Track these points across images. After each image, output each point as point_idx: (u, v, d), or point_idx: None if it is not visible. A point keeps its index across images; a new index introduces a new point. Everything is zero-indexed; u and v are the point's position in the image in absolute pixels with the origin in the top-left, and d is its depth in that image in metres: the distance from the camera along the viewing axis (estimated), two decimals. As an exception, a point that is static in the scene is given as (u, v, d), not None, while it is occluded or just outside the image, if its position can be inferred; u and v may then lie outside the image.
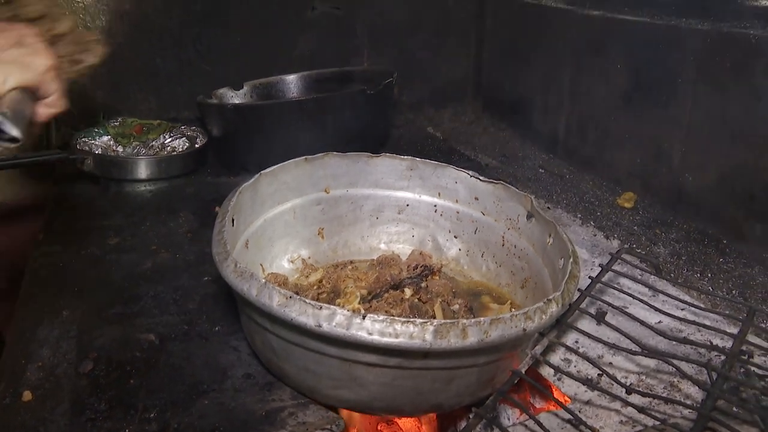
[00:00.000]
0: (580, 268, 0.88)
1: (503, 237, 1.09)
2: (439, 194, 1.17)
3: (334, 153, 1.14)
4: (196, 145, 1.66)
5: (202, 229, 1.31)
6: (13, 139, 0.78)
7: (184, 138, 1.69)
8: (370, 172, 1.17)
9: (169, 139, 1.68)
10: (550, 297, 0.77)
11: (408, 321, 0.69)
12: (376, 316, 0.69)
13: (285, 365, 0.81)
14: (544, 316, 0.75)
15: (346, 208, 1.18)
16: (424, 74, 2.23)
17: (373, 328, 0.69)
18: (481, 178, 1.11)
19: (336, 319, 0.69)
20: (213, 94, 1.75)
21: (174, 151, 1.64)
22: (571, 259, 0.87)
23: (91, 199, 1.48)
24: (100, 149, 1.61)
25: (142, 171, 1.55)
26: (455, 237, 1.17)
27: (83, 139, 1.63)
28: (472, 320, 0.70)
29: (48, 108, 0.86)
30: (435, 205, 1.18)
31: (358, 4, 2.07)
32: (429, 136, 2.03)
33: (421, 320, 0.69)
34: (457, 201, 1.15)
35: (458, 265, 1.16)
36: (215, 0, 1.90)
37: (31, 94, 0.83)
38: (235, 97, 1.79)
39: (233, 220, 0.94)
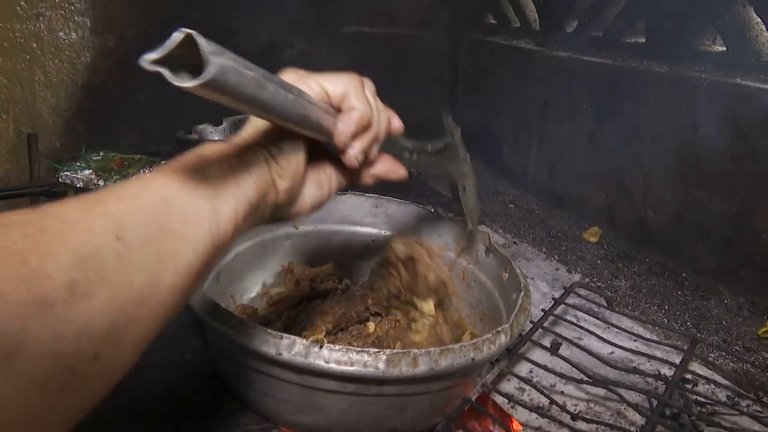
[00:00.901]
0: (531, 301, 0.92)
1: (463, 272, 1.14)
2: (404, 230, 1.22)
3: None
4: (176, 179, 1.70)
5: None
6: None
7: (164, 172, 1.74)
8: (338, 209, 1.22)
9: (150, 173, 1.72)
10: (499, 329, 0.82)
11: (362, 351, 0.73)
12: (332, 346, 0.73)
13: (249, 392, 0.85)
14: (492, 347, 0.80)
15: (315, 243, 1.23)
16: (398, 110, 2.29)
17: (330, 357, 0.73)
18: (441, 214, 1.17)
19: (295, 348, 0.74)
20: (193, 129, 1.80)
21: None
22: (522, 293, 0.92)
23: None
24: (81, 183, 1.66)
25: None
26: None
27: (65, 173, 1.67)
28: (423, 350, 0.75)
29: None
30: None
31: (335, 42, 2.14)
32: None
33: (375, 350, 0.74)
34: (420, 236, 1.20)
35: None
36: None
37: None
38: (215, 133, 1.84)
39: None
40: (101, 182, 1.68)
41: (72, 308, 0.36)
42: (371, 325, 1.07)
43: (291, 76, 0.61)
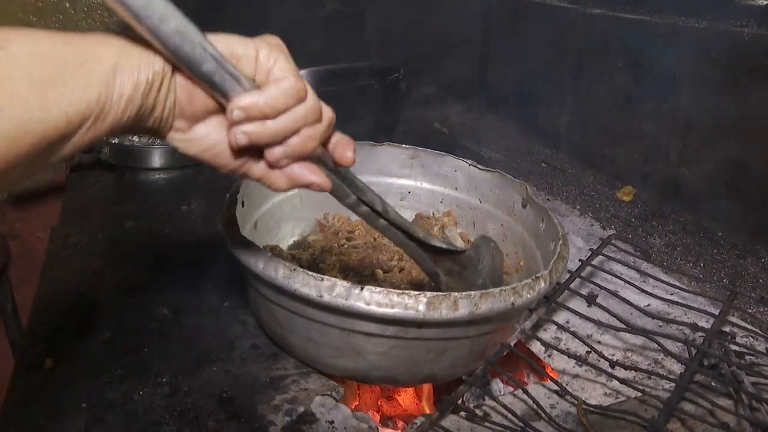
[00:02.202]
0: (569, 250, 0.92)
1: (500, 223, 1.14)
2: (440, 182, 1.22)
3: None
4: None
5: (212, 215, 1.36)
6: None
7: (197, 129, 1.75)
8: (374, 160, 1.22)
9: (183, 130, 1.73)
10: (538, 274, 0.82)
11: (403, 293, 0.74)
12: (373, 288, 0.74)
13: (289, 336, 0.86)
14: (531, 292, 0.80)
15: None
16: (431, 70, 2.28)
17: (371, 299, 0.74)
18: (478, 166, 1.16)
19: (336, 290, 0.75)
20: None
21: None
22: (561, 242, 0.91)
23: (107, 186, 1.53)
24: (116, 139, 1.67)
25: (157, 160, 1.61)
26: (455, 223, 1.22)
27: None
28: (463, 293, 0.75)
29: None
30: (436, 193, 1.23)
31: (367, 2, 2.12)
32: (435, 131, 2.08)
33: (415, 292, 0.74)
34: (456, 189, 1.21)
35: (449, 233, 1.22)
36: (228, -4, 1.95)
37: None
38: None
39: (243, 202, 0.99)
40: (135, 138, 1.69)
41: None
42: (380, 272, 1.08)
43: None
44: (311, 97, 0.59)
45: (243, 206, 0.99)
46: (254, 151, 0.60)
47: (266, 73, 0.57)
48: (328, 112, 0.62)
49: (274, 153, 0.59)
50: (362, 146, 1.21)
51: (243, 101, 0.55)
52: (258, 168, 0.62)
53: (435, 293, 0.74)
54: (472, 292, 0.75)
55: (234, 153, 0.59)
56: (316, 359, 0.87)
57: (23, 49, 0.46)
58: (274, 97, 0.56)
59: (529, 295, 0.79)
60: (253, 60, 0.57)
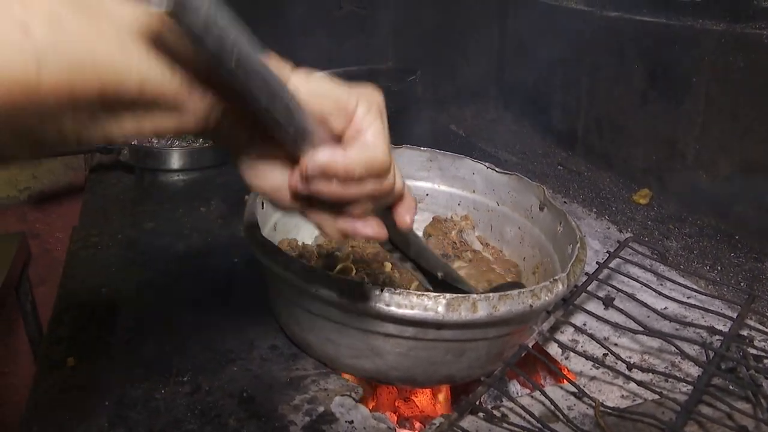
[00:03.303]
0: (587, 253, 0.93)
1: (518, 226, 1.14)
2: (458, 185, 1.23)
3: None
4: (227, 138, 1.73)
5: (231, 216, 1.38)
6: None
7: (215, 131, 1.76)
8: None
9: (202, 132, 1.75)
10: (557, 277, 0.83)
11: (423, 294, 0.75)
12: (393, 289, 0.75)
13: (308, 336, 0.87)
14: (550, 294, 0.80)
15: None
16: (447, 72, 2.28)
17: (391, 300, 0.75)
18: (496, 169, 1.17)
19: (356, 292, 0.75)
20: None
21: (206, 143, 1.72)
22: (579, 245, 0.92)
23: (127, 187, 1.55)
24: (136, 140, 1.69)
25: (176, 161, 1.62)
26: (473, 227, 1.22)
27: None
28: (482, 295, 0.76)
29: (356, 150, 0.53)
30: (453, 195, 1.24)
31: (383, 4, 2.13)
32: (451, 133, 2.09)
33: (435, 294, 0.75)
34: (474, 191, 1.21)
35: (471, 254, 1.22)
36: (246, -1, 1.96)
37: None
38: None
39: (263, 204, 1.00)
40: (155, 140, 1.71)
41: None
42: (388, 265, 1.09)
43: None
44: (391, 175, 0.55)
45: (263, 208, 1.00)
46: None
47: (356, 132, 0.53)
48: (399, 186, 0.58)
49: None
50: None
51: (322, 158, 0.50)
52: (314, 214, 0.57)
53: (454, 295, 0.75)
54: (491, 294, 0.76)
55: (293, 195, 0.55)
56: (335, 360, 0.87)
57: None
58: (356, 164, 0.51)
59: (547, 298, 0.80)
60: (349, 115, 0.53)
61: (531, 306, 0.78)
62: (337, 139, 0.53)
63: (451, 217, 1.24)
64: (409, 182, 1.22)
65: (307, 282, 0.77)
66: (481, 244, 1.19)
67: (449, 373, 0.86)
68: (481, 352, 0.84)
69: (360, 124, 0.53)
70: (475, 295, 0.76)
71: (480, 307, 0.75)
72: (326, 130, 0.52)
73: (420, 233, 1.23)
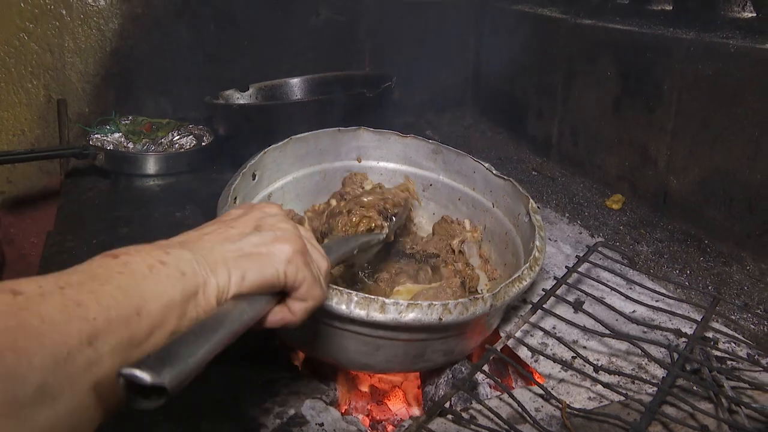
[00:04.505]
0: (534, 275, 0.92)
1: (505, 231, 1.15)
2: (459, 180, 1.26)
3: (366, 127, 1.26)
4: (203, 143, 1.74)
5: (207, 220, 1.38)
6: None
7: (191, 136, 1.77)
8: (401, 149, 1.27)
9: (177, 137, 1.76)
10: (478, 296, 0.83)
11: (340, 290, 0.78)
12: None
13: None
14: (465, 312, 0.80)
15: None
16: (424, 79, 2.30)
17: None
18: (494, 171, 1.18)
19: (335, 300, 0.77)
20: (220, 95, 1.82)
21: (182, 148, 1.72)
22: (528, 265, 0.92)
23: (102, 192, 1.55)
24: (111, 145, 1.69)
25: (151, 166, 1.63)
26: (479, 240, 1.23)
27: (96, 136, 1.71)
28: (392, 300, 0.78)
29: (298, 302, 0.63)
30: (455, 189, 1.26)
31: (361, 11, 2.15)
32: (424, 140, 2.10)
33: (350, 291, 0.78)
34: (474, 189, 1.23)
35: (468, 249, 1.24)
36: (224, 5, 1.97)
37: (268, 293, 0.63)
38: (241, 98, 1.87)
39: (254, 175, 1.02)
40: (130, 145, 1.71)
41: (39, 410, 0.38)
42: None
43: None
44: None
45: (254, 179, 1.03)
46: None
47: (293, 291, 0.63)
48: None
49: None
50: (390, 135, 1.27)
51: (276, 318, 0.64)
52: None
53: (365, 295, 0.78)
54: (401, 301, 0.78)
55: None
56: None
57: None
58: (301, 313, 0.64)
59: (461, 314, 0.80)
60: (282, 286, 0.61)
61: (440, 319, 0.78)
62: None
63: (463, 224, 1.25)
64: (416, 170, 1.27)
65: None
66: (481, 259, 1.19)
67: (366, 363, 0.87)
68: (397, 350, 0.86)
69: (292, 286, 0.62)
70: (384, 299, 0.78)
71: (388, 310, 0.77)
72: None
73: (429, 229, 1.27)
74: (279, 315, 0.63)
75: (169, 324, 0.49)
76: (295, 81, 1.95)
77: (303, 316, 0.64)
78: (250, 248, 0.60)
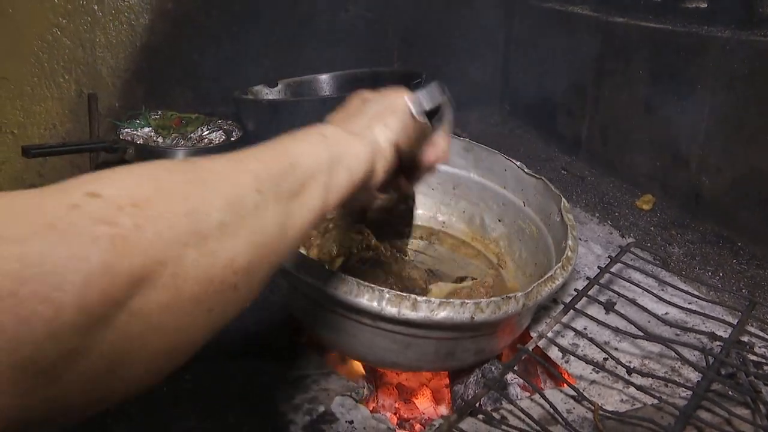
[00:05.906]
0: (567, 275, 0.90)
1: (536, 230, 1.14)
2: (490, 178, 1.25)
3: None
4: (232, 138, 1.74)
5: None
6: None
7: (220, 131, 1.77)
8: None
9: (207, 132, 1.76)
10: (511, 294, 0.81)
11: (372, 288, 0.77)
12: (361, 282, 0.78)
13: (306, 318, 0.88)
14: (498, 311, 0.79)
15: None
16: (452, 77, 2.29)
17: (351, 290, 0.78)
18: (525, 170, 1.17)
19: (343, 288, 0.76)
20: (249, 90, 1.83)
21: (211, 143, 1.73)
22: (560, 264, 0.91)
23: (132, 186, 1.55)
24: (141, 140, 1.70)
25: (180, 161, 1.63)
26: (499, 220, 1.23)
27: (126, 130, 1.72)
28: (424, 298, 0.77)
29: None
30: (486, 188, 1.26)
31: (390, 8, 2.14)
32: (455, 136, 2.09)
33: (381, 289, 0.77)
34: (505, 187, 1.22)
35: (497, 247, 1.24)
36: (253, 1, 1.97)
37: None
38: (270, 94, 1.87)
39: None
40: (160, 139, 1.72)
41: (221, 243, 0.42)
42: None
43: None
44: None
45: None
46: None
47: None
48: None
49: None
50: None
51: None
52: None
53: (398, 293, 0.77)
54: (434, 299, 0.77)
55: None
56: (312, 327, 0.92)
57: None
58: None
59: (493, 313, 0.79)
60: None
61: (472, 318, 0.77)
62: None
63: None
64: (446, 168, 1.26)
65: (333, 289, 0.79)
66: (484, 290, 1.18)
67: (395, 361, 0.87)
68: (427, 349, 0.85)
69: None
70: (416, 297, 0.77)
71: (420, 308, 0.77)
72: None
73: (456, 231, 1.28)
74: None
75: (321, 176, 0.56)
76: (324, 77, 1.95)
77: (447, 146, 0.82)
78: (375, 111, 0.74)
